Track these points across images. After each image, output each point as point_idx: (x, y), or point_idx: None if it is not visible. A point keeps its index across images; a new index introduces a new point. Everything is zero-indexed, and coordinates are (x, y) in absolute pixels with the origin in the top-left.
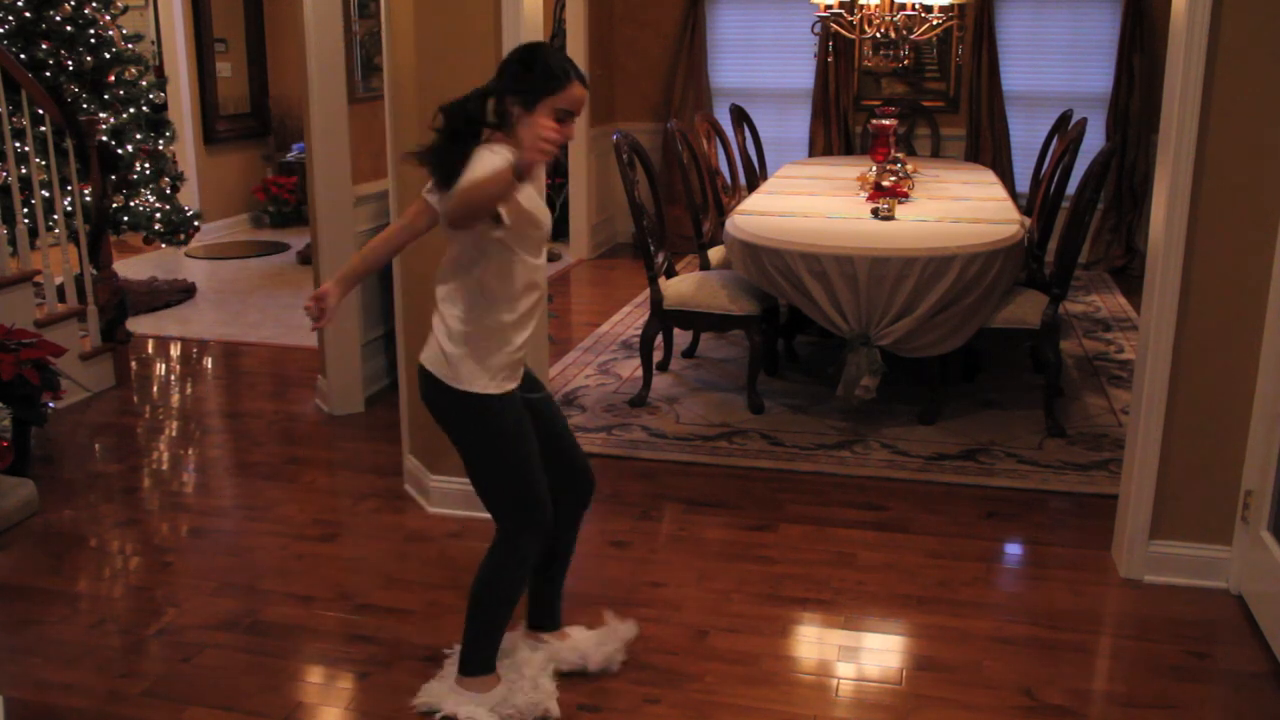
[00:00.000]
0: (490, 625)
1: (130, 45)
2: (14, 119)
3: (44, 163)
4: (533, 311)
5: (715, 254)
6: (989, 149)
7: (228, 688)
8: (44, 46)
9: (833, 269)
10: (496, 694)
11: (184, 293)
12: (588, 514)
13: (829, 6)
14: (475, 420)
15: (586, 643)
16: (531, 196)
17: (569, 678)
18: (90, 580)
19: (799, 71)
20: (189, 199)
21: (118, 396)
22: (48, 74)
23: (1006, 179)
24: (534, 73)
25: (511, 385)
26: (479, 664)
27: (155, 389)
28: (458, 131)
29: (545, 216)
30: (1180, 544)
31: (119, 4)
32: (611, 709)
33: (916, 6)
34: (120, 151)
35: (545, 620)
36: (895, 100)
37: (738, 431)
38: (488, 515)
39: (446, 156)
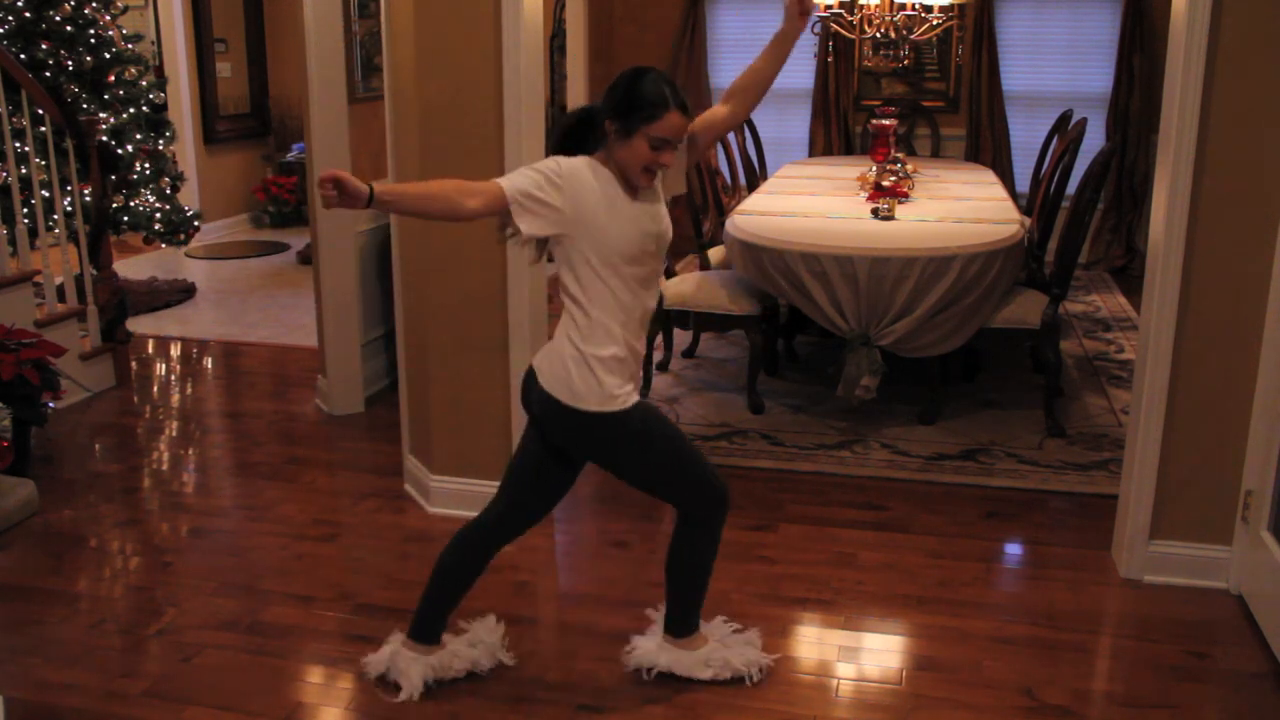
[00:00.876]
0: (699, 593)
1: (130, 45)
2: (14, 119)
3: (44, 163)
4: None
5: (715, 254)
6: (989, 149)
7: (228, 688)
8: (44, 46)
9: (833, 269)
10: (706, 650)
11: (184, 293)
12: (585, 513)
13: (829, 6)
14: (615, 438)
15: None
16: (629, 212)
17: (576, 675)
18: (90, 580)
19: (799, 71)
20: (189, 199)
21: (118, 396)
22: (48, 74)
23: (1006, 179)
24: (632, 100)
25: (634, 397)
26: (689, 626)
27: (155, 389)
28: (560, 146)
29: (642, 233)
30: (1180, 544)
31: (119, 4)
32: (611, 709)
33: (916, 6)
34: (120, 151)
35: (679, 626)
36: (895, 100)
37: (738, 431)
38: None
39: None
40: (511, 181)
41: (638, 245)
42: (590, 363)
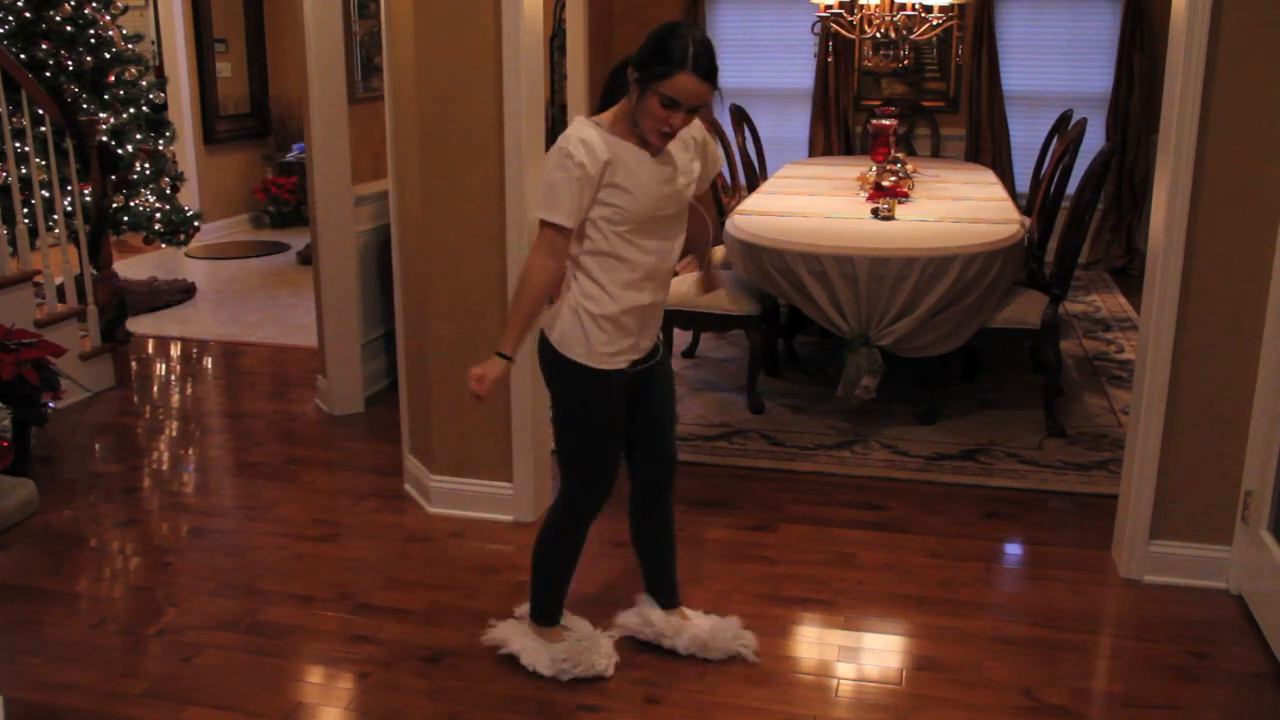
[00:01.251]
0: (548, 579)
1: (130, 45)
2: (14, 119)
3: (44, 163)
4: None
5: (715, 254)
6: (989, 149)
7: (228, 688)
8: (44, 46)
9: (833, 269)
10: (559, 647)
11: (184, 293)
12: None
13: (829, 6)
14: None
15: (703, 628)
16: (644, 175)
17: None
18: (90, 580)
19: (799, 71)
20: (189, 199)
21: (118, 396)
22: (48, 74)
23: (1006, 179)
24: (653, 52)
25: (616, 364)
26: (543, 615)
27: (155, 389)
28: (607, 93)
29: (656, 196)
30: (1180, 544)
31: (119, 4)
32: (611, 709)
33: (916, 6)
34: (120, 151)
35: (660, 596)
36: (895, 100)
37: (738, 431)
38: (487, 515)
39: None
40: (551, 209)
41: (649, 206)
42: (582, 316)
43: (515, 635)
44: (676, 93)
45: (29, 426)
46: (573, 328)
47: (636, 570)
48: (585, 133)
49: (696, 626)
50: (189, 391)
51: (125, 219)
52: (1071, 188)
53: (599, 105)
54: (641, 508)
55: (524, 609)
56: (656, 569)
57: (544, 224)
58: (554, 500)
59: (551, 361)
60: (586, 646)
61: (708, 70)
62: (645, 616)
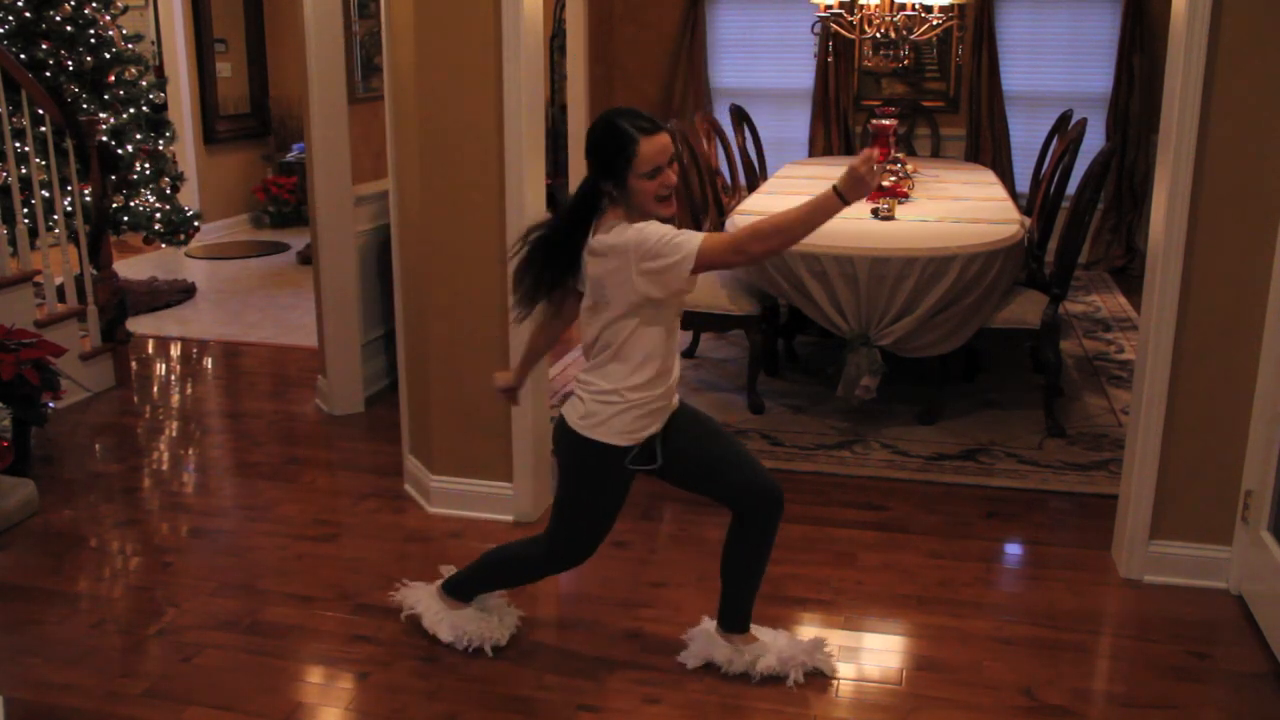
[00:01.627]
0: (487, 581)
1: (130, 45)
2: (14, 119)
3: (44, 163)
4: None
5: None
6: (989, 149)
7: (228, 688)
8: (44, 46)
9: (833, 269)
10: (463, 614)
11: (184, 293)
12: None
13: (829, 6)
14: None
15: (778, 644)
16: None
17: (576, 675)
18: (90, 580)
19: (799, 71)
20: (189, 199)
21: (118, 396)
22: (48, 74)
23: (1006, 179)
24: (604, 156)
25: (629, 441)
26: (460, 594)
27: (155, 389)
28: (575, 226)
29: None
30: (1180, 544)
31: (119, 4)
32: (611, 709)
33: (916, 6)
34: (120, 151)
35: (732, 621)
36: (895, 100)
37: (738, 431)
38: (487, 515)
39: (562, 248)
40: (694, 237)
41: (678, 290)
42: (609, 399)
43: (424, 598)
44: (651, 160)
45: (29, 426)
46: (597, 411)
47: (636, 570)
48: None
49: (763, 647)
50: (189, 391)
51: (125, 219)
52: (1071, 188)
53: (570, 228)
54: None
55: (435, 582)
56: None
57: (707, 239)
58: (535, 539)
59: (574, 443)
60: (487, 618)
61: (648, 123)
62: (709, 647)
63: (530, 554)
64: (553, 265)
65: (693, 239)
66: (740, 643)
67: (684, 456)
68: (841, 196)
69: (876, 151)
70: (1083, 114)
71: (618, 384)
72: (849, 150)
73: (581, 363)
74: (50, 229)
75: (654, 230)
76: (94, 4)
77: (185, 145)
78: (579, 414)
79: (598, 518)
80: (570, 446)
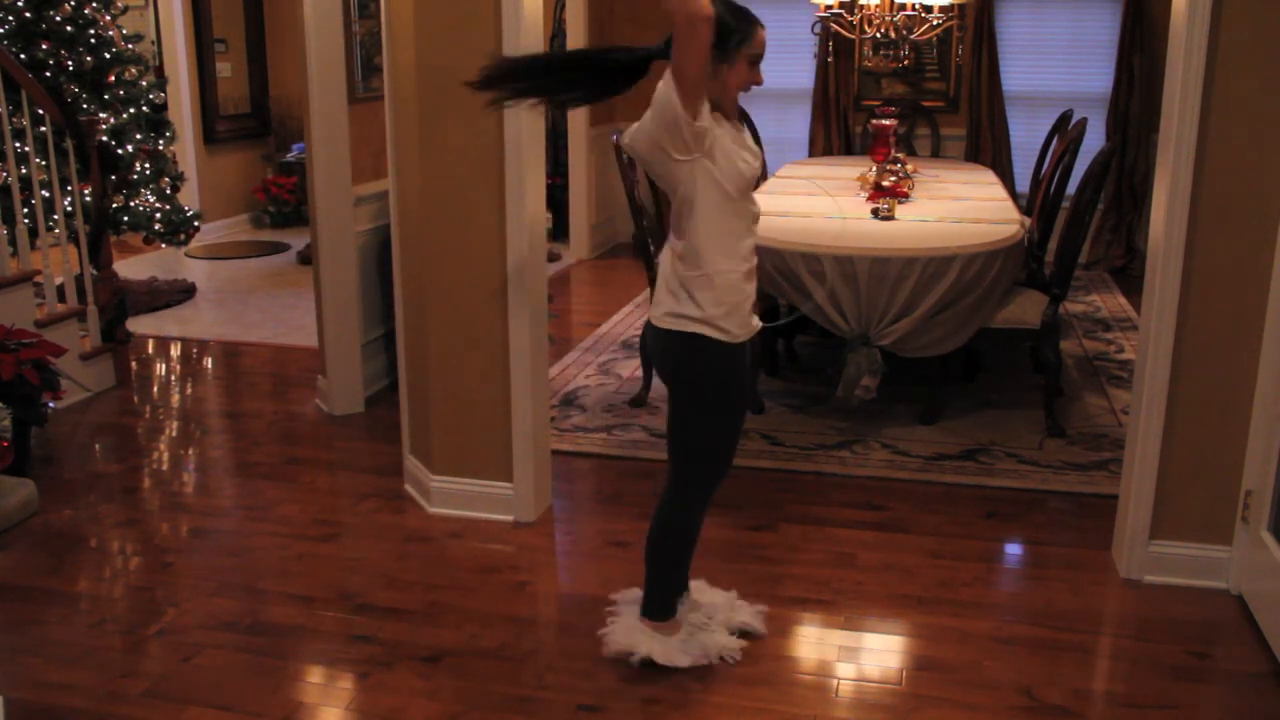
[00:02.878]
0: (670, 577)
1: (130, 45)
2: (14, 119)
3: (44, 163)
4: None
5: None
6: (989, 149)
7: (228, 688)
8: (44, 46)
9: (833, 269)
10: (683, 635)
11: (184, 293)
12: (585, 513)
13: (829, 6)
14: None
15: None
16: (733, 143)
17: (576, 675)
18: (90, 580)
19: (799, 71)
20: (189, 199)
21: (118, 396)
22: (48, 74)
23: (1006, 179)
24: (725, 25)
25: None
26: (661, 609)
27: (155, 389)
28: (623, 69)
29: (742, 169)
30: (1180, 544)
31: (119, 4)
32: (611, 709)
33: (916, 6)
34: (120, 151)
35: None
36: (895, 100)
37: None
38: (487, 515)
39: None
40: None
41: (745, 177)
42: (713, 293)
43: (641, 638)
44: (760, 48)
45: (29, 426)
46: (686, 301)
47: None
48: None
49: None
50: (189, 391)
51: (125, 219)
52: (1071, 188)
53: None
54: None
55: (624, 615)
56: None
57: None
58: (666, 496)
59: (684, 349)
60: (709, 630)
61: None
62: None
63: (673, 516)
64: (578, 82)
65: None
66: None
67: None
68: None
69: None
70: (1083, 114)
71: (711, 276)
72: (849, 150)
73: (582, 363)
74: (50, 229)
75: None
76: (94, 4)
77: (185, 145)
78: (692, 314)
79: (734, 429)
80: (689, 353)
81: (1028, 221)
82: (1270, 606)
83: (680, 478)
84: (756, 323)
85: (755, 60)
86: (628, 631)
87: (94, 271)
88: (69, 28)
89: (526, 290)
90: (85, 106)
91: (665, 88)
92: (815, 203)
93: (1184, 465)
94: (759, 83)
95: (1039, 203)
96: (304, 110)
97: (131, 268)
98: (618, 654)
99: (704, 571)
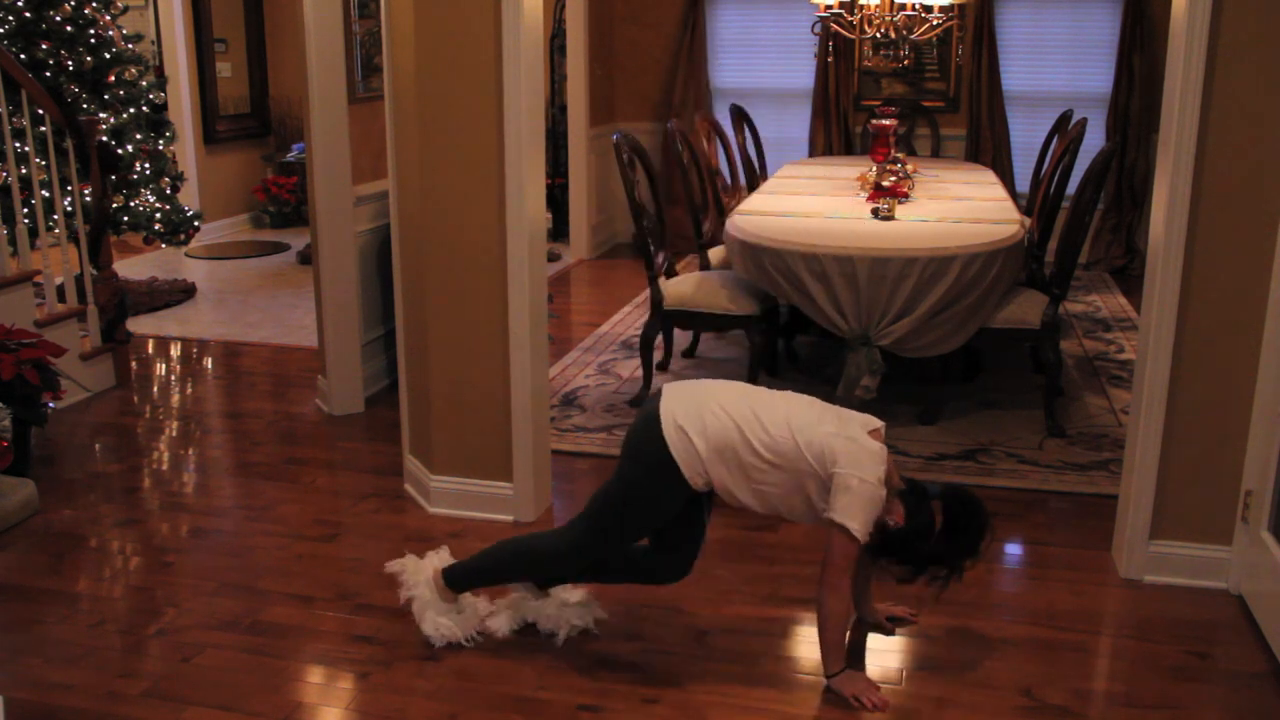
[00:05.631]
0: (492, 574)
1: (130, 45)
2: (14, 119)
3: (44, 163)
4: None
5: (715, 254)
6: (989, 149)
7: (228, 688)
8: (44, 46)
9: (833, 269)
10: (446, 607)
11: (184, 293)
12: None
13: (829, 6)
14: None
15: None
16: None
17: (576, 675)
18: (90, 580)
19: (799, 71)
20: (189, 199)
21: (118, 396)
22: (48, 74)
23: (1006, 179)
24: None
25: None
26: (457, 582)
27: (155, 389)
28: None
29: None
30: (1180, 544)
31: (119, 4)
32: (611, 709)
33: (916, 6)
34: (120, 151)
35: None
36: (895, 100)
37: None
38: (487, 515)
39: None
40: (863, 520)
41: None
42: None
43: (422, 584)
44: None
45: (29, 426)
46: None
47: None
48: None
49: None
50: (189, 391)
51: (125, 219)
52: (1071, 188)
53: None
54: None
55: (431, 557)
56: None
57: (844, 531)
58: (568, 529)
59: (656, 451)
60: (466, 618)
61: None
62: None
63: (548, 547)
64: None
65: (852, 520)
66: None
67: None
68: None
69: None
70: (1083, 114)
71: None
72: (849, 150)
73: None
74: (50, 229)
75: (867, 469)
76: (94, 4)
77: (185, 145)
78: (689, 435)
79: (641, 524)
80: (654, 449)
81: (1028, 221)
82: (1270, 606)
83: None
84: None
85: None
86: (418, 569)
87: (94, 271)
88: (69, 28)
89: (526, 290)
90: (85, 106)
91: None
92: (815, 203)
93: (1184, 465)
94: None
95: (1039, 203)
96: (304, 110)
97: (131, 268)
98: (393, 573)
99: (705, 570)
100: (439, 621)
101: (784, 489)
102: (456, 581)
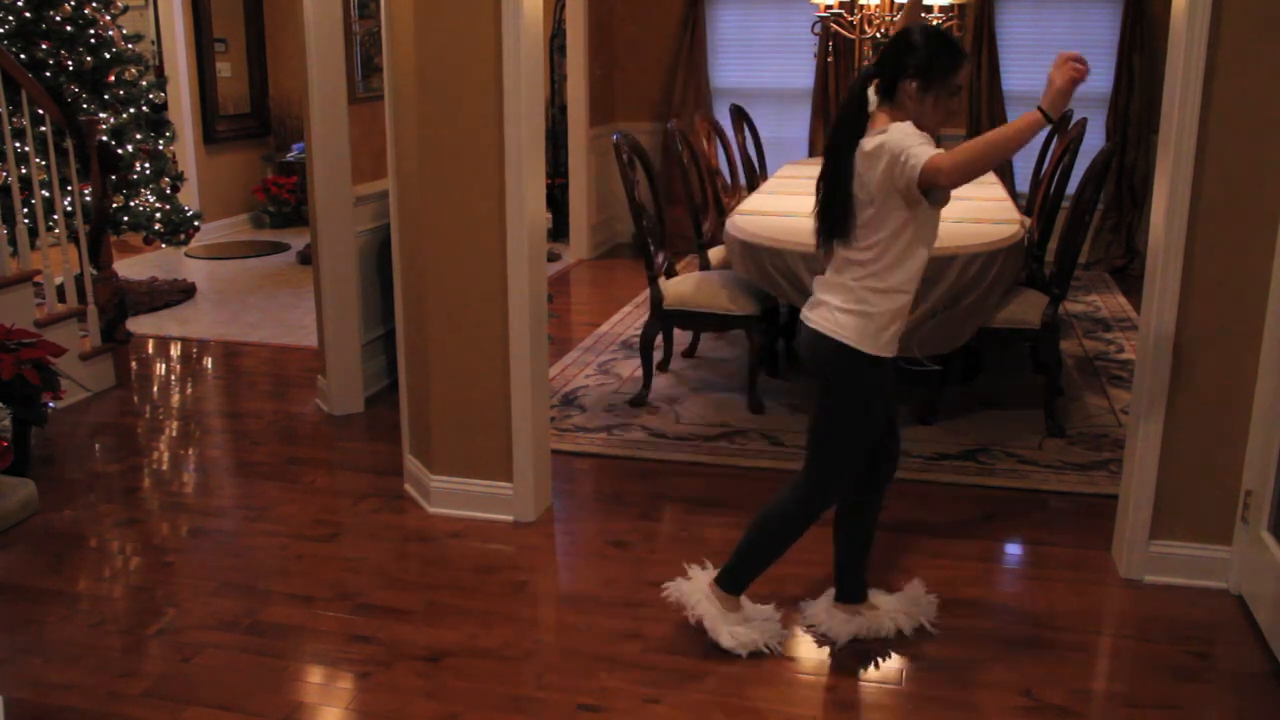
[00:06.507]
0: (755, 557)
1: (130, 45)
2: (14, 119)
3: (44, 163)
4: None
5: (715, 254)
6: None
7: (228, 688)
8: (44, 46)
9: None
10: (736, 616)
11: (184, 293)
12: (585, 513)
13: (829, 6)
14: (853, 377)
15: (894, 607)
16: None
17: (576, 675)
18: (90, 580)
19: (799, 71)
20: (189, 199)
21: (118, 396)
22: (48, 74)
23: (1006, 179)
24: (935, 58)
25: (889, 353)
26: (733, 584)
27: (155, 389)
28: (854, 122)
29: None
30: (1180, 544)
31: (119, 4)
32: (611, 709)
33: None
34: (120, 151)
35: (851, 592)
36: None
37: (738, 431)
38: (487, 515)
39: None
40: (930, 147)
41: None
42: (870, 311)
43: (700, 600)
44: (962, 78)
45: (29, 426)
46: (861, 324)
47: (636, 570)
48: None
49: (878, 617)
50: (189, 391)
51: (125, 219)
52: (1071, 188)
53: (850, 121)
54: (858, 504)
55: (695, 575)
56: (852, 565)
57: (935, 156)
58: (794, 487)
59: (836, 358)
60: (762, 626)
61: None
62: (884, 613)
63: (789, 507)
64: (840, 170)
65: (923, 155)
66: (858, 610)
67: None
68: (1047, 116)
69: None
70: (1083, 114)
71: (878, 301)
72: None
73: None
74: (50, 229)
75: (902, 133)
76: (94, 4)
77: (185, 145)
78: (841, 325)
79: (865, 439)
80: (838, 361)
81: (1028, 221)
82: (1270, 606)
83: (809, 469)
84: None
85: (956, 90)
86: (693, 589)
87: (94, 271)
88: (69, 28)
89: (526, 290)
90: (85, 106)
91: (912, 169)
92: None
93: (1184, 465)
94: (955, 110)
95: (1039, 203)
96: (304, 110)
97: (131, 268)
98: (676, 603)
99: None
100: (735, 631)
101: (891, 228)
102: (731, 583)
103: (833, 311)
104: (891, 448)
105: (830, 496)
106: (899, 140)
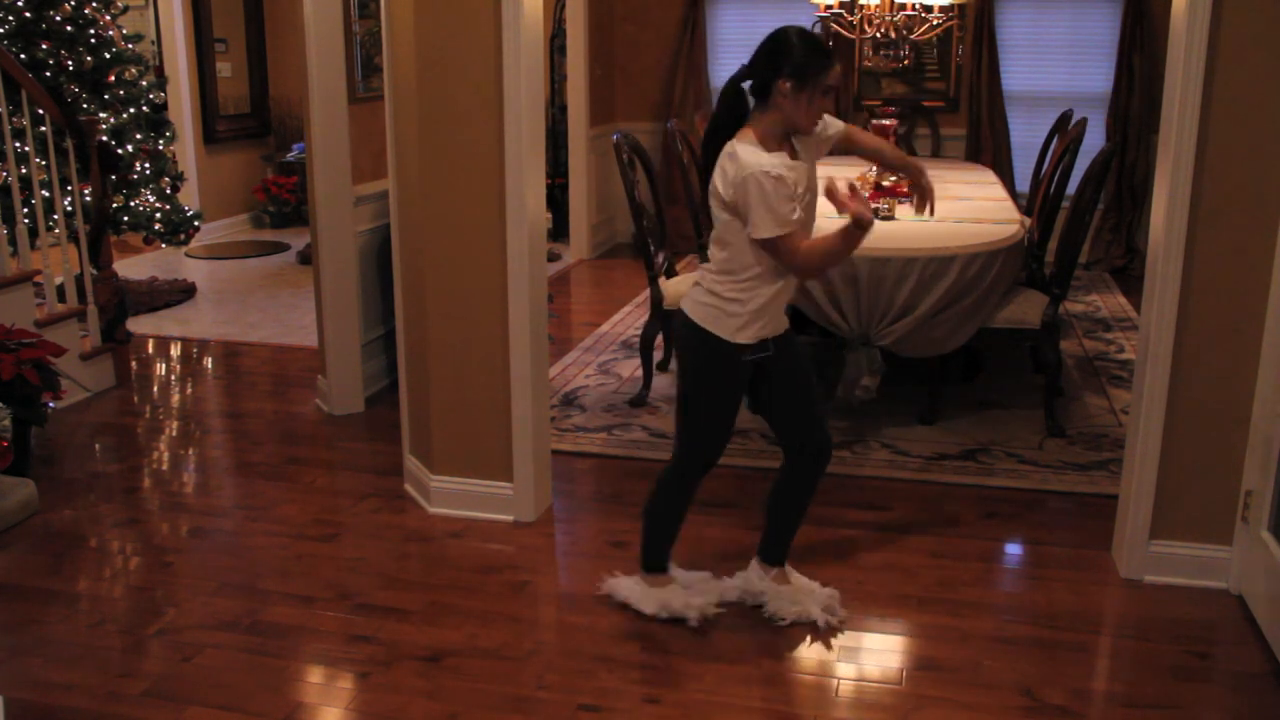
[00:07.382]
0: (658, 530)
1: (130, 45)
2: (14, 119)
3: (44, 163)
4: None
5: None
6: (989, 149)
7: (228, 688)
8: (44, 46)
9: (833, 269)
10: (663, 591)
11: (184, 293)
12: (585, 513)
13: (829, 6)
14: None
15: (805, 594)
16: (807, 183)
17: (576, 675)
18: (90, 580)
19: None
20: (189, 199)
21: (118, 396)
22: (48, 74)
23: (1006, 179)
24: (806, 57)
25: (750, 340)
26: (652, 563)
27: (155, 389)
28: (729, 118)
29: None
30: (1180, 544)
31: (119, 4)
32: (611, 709)
33: (916, 6)
34: (120, 151)
35: (770, 553)
36: (895, 100)
37: (738, 431)
38: (487, 515)
39: (711, 146)
40: (783, 224)
41: (813, 210)
42: (725, 307)
43: (626, 585)
44: (835, 79)
45: (29, 426)
46: (714, 316)
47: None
48: (766, 159)
49: (795, 592)
50: (189, 391)
51: (125, 219)
52: (1071, 188)
53: (719, 124)
54: (784, 482)
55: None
56: (782, 528)
57: (780, 239)
58: (665, 468)
59: (692, 337)
60: (680, 593)
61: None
62: (748, 580)
63: (664, 479)
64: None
65: (772, 231)
66: (775, 578)
67: (784, 370)
68: (860, 223)
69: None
70: (1083, 114)
71: (736, 290)
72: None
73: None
74: (50, 229)
75: (756, 190)
76: (94, 4)
77: (185, 145)
78: (701, 313)
79: (723, 414)
80: (692, 342)
81: (1028, 221)
82: (1270, 606)
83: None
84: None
85: (828, 91)
86: (626, 581)
87: (94, 271)
88: (69, 28)
89: (526, 290)
90: (85, 106)
91: (755, 233)
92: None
93: (1184, 465)
94: (829, 110)
95: (1039, 203)
96: (304, 110)
97: (131, 268)
98: (607, 594)
99: (706, 571)
100: (653, 594)
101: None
102: (650, 563)
103: (696, 297)
104: (816, 441)
105: (696, 461)
106: (756, 198)
